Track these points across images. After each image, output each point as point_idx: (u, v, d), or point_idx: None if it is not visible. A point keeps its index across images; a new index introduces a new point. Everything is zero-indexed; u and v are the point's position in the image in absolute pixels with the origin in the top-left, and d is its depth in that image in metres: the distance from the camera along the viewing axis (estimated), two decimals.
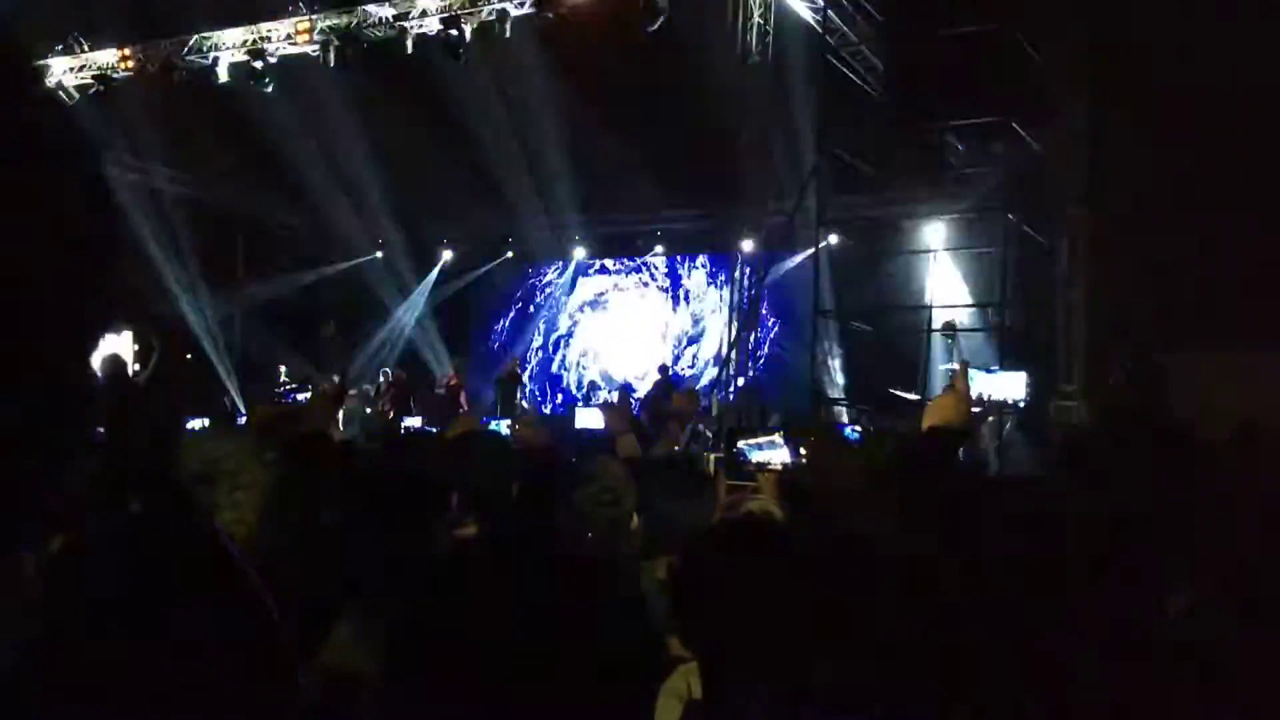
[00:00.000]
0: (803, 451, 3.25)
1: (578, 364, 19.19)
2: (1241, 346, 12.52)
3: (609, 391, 17.55)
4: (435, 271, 19.57)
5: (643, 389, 16.84)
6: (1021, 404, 11.80)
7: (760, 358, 15.70)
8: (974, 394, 2.42)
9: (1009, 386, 11.79)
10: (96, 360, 1.04)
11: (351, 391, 16.96)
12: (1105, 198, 13.57)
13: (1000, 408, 11.35)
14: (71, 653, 0.87)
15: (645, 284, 18.75)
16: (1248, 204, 12.42)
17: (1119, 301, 13.42)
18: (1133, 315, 13.28)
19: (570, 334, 19.40)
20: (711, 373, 15.97)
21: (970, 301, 13.95)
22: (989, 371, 11.90)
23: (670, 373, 16.84)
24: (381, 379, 17.00)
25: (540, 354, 19.52)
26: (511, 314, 19.92)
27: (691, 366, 17.83)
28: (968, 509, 2.24)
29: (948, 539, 2.05)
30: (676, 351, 17.94)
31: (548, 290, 19.68)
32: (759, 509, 3.10)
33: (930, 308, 13.73)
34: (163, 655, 0.80)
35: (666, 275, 18.46)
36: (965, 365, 2.40)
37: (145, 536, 0.95)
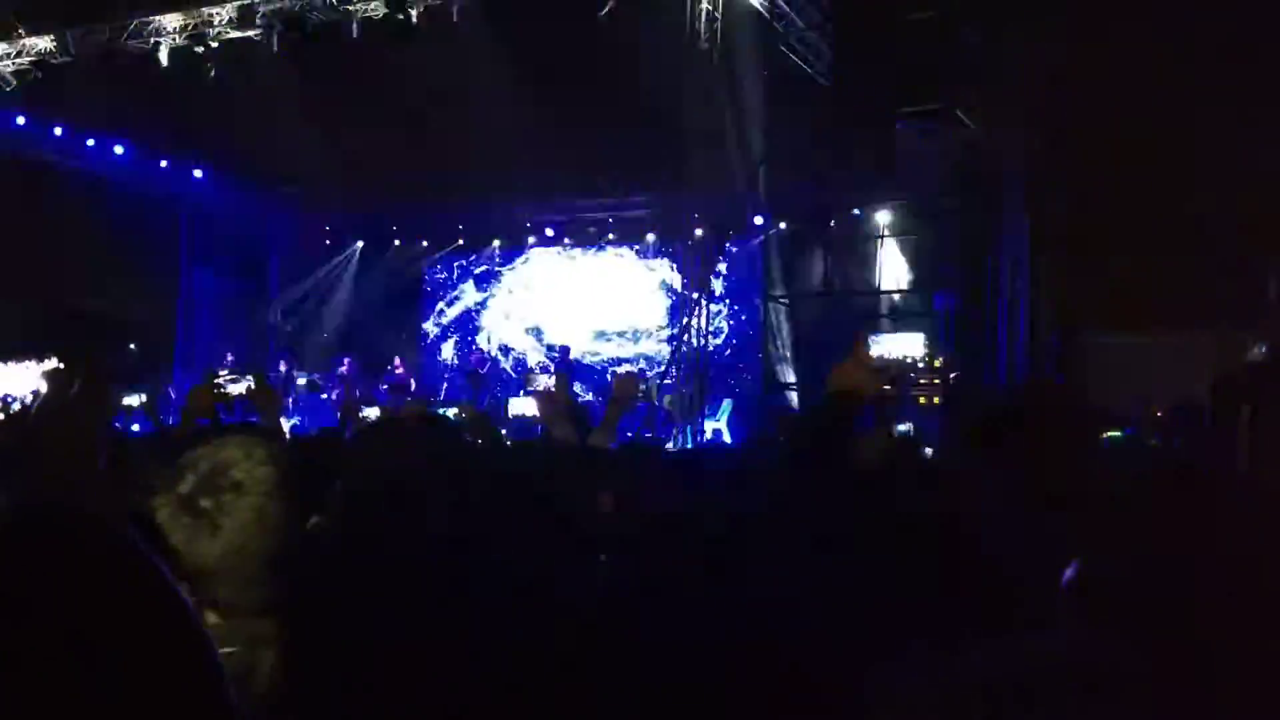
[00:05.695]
0: None
1: (518, 349, 18.74)
2: (1171, 328, 12.92)
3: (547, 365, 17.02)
4: (385, 259, 19.32)
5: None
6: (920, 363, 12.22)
7: (724, 343, 15.66)
8: (875, 355, 2.40)
9: (907, 346, 12.31)
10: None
11: (300, 380, 16.78)
12: (1046, 185, 13.86)
13: (903, 367, 11.76)
14: None
15: (600, 248, 18.26)
16: (1183, 189, 12.77)
17: (1058, 285, 13.74)
18: (1070, 298, 13.62)
19: (508, 316, 18.93)
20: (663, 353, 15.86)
21: (917, 286, 14.19)
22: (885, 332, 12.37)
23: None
24: (338, 369, 16.77)
25: (487, 344, 19.12)
26: (458, 302, 19.56)
27: (636, 342, 17.52)
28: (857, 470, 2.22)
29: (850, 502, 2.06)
30: (657, 331, 17.34)
31: (488, 275, 19.25)
32: None
33: (879, 293, 13.94)
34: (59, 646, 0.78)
35: (620, 256, 18.14)
36: (864, 332, 2.42)
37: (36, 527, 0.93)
